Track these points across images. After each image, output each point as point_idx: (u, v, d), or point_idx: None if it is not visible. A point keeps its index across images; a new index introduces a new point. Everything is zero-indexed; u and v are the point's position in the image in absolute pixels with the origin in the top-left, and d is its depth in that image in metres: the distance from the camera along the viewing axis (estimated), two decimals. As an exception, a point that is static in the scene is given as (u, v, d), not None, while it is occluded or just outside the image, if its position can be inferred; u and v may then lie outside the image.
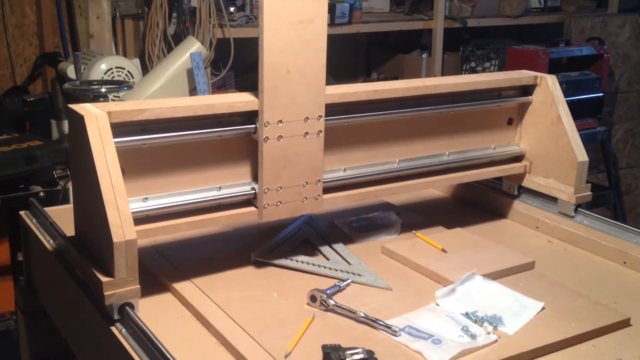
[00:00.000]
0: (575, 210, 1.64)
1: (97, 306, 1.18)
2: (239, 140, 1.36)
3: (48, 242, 1.46)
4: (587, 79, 3.60)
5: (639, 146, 4.45)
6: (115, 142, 1.17)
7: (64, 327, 1.48)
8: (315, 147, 1.38)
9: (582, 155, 1.61)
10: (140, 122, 1.23)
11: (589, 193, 1.64)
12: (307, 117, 1.35)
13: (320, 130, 1.37)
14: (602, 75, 3.65)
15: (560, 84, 1.69)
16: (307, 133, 1.36)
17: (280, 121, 1.32)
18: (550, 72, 3.22)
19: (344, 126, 1.46)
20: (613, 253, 1.53)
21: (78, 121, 1.18)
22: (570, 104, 1.67)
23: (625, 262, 1.50)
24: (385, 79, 4.18)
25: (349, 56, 4.35)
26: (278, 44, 1.28)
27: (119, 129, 1.20)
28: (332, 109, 1.40)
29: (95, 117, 1.17)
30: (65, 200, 2.37)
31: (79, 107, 1.21)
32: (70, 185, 2.39)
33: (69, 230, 1.34)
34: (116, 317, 1.15)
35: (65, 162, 2.43)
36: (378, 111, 1.49)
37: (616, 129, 4.33)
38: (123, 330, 1.13)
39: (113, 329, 1.14)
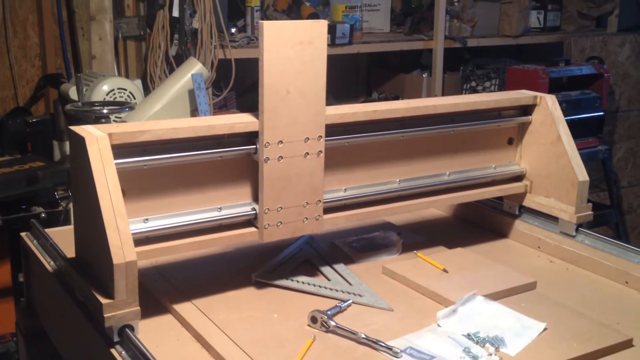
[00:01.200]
0: (577, 230, 1.63)
1: (97, 328, 1.18)
2: (240, 161, 1.36)
3: (49, 264, 1.46)
4: (587, 98, 3.62)
5: (640, 165, 4.46)
6: (116, 164, 1.18)
7: (64, 349, 1.47)
8: (316, 168, 1.38)
9: (582, 175, 1.61)
10: (141, 143, 1.24)
11: (590, 212, 1.63)
12: (307, 138, 1.35)
13: (321, 151, 1.37)
14: (602, 94, 3.67)
15: (561, 103, 1.69)
16: (307, 153, 1.36)
17: (281, 142, 1.32)
18: (550, 91, 3.24)
19: (345, 146, 1.47)
20: (615, 273, 1.52)
21: (79, 143, 1.18)
22: (571, 123, 1.68)
23: (627, 282, 1.50)
24: (386, 98, 4.20)
25: (349, 76, 4.37)
26: (278, 65, 1.29)
27: (120, 150, 1.21)
28: (333, 129, 1.41)
29: (96, 138, 1.17)
30: (66, 221, 2.37)
31: (80, 129, 1.21)
32: (71, 206, 2.40)
33: (70, 251, 1.34)
34: (116, 339, 1.14)
35: (67, 183, 2.44)
36: (378, 131, 1.50)
37: (617, 148, 4.33)
38: (123, 352, 1.13)
39: (113, 351, 1.14)
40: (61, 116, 2.80)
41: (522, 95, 1.70)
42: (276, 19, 3.58)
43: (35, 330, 1.63)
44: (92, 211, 1.16)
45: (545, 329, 1.27)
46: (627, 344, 1.25)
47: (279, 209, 1.35)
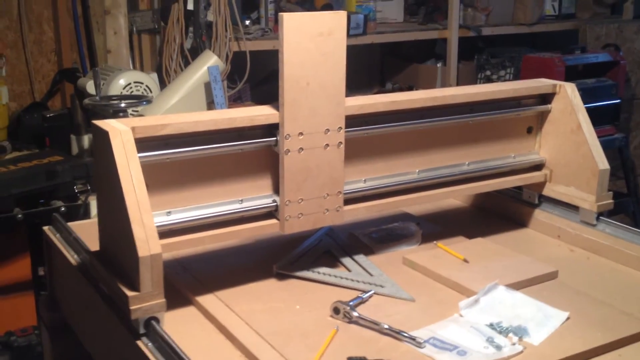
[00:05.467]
0: (597, 219, 1.63)
1: (122, 320, 1.19)
2: (260, 153, 1.37)
3: (72, 257, 1.47)
4: (603, 85, 3.59)
5: (657, 152, 4.42)
6: (139, 157, 1.18)
7: (89, 342, 1.49)
8: (336, 159, 1.38)
9: (603, 163, 1.61)
10: (163, 136, 1.25)
11: (611, 201, 1.63)
12: (327, 129, 1.35)
13: (341, 142, 1.38)
14: (618, 81, 3.64)
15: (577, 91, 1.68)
16: (327, 145, 1.36)
17: (301, 133, 1.33)
18: (566, 79, 3.21)
19: (364, 137, 1.47)
20: (636, 261, 1.52)
21: (102, 137, 1.19)
22: (587, 111, 1.67)
23: (649, 270, 1.49)
24: (400, 89, 4.19)
25: (363, 67, 4.36)
26: (298, 56, 1.29)
27: (142, 143, 1.22)
28: (352, 121, 1.41)
29: (120, 132, 1.18)
30: (85, 215, 2.39)
31: (103, 123, 1.22)
32: (90, 199, 2.41)
33: (92, 245, 1.36)
34: (142, 331, 1.15)
35: (86, 177, 2.45)
36: (397, 122, 1.50)
37: (634, 136, 4.30)
38: (149, 344, 1.14)
39: (139, 343, 1.15)
40: (78, 110, 2.81)
41: (541, 84, 1.69)
42: (290, 10, 3.58)
43: (59, 323, 1.65)
44: (116, 205, 1.17)
45: (568, 318, 1.27)
46: (651, 333, 1.25)
47: (299, 201, 1.36)
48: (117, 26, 3.26)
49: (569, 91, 1.66)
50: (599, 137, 1.65)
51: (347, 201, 1.44)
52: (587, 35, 4.10)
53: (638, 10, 4.44)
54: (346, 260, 1.52)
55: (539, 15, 4.10)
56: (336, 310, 1.28)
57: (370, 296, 1.36)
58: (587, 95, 3.39)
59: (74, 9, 3.22)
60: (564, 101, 1.66)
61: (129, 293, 1.13)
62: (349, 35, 3.43)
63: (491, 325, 1.23)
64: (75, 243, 1.48)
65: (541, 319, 1.26)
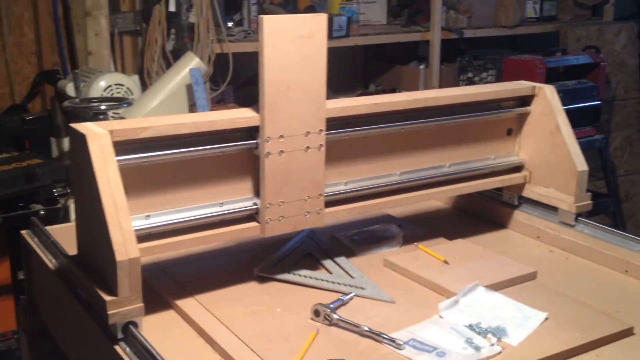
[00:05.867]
0: (576, 220, 1.64)
1: (100, 325, 1.18)
2: (241, 156, 1.36)
3: (50, 261, 1.46)
4: (584, 87, 3.62)
5: (636, 153, 4.46)
6: (118, 160, 1.18)
7: (67, 347, 1.47)
8: (317, 161, 1.38)
9: (581, 165, 1.62)
10: (143, 140, 1.24)
11: (589, 202, 1.64)
12: (308, 132, 1.35)
13: (322, 145, 1.38)
14: (598, 83, 3.67)
15: (558, 92, 1.70)
16: (308, 147, 1.36)
17: (282, 136, 1.33)
18: (547, 81, 3.24)
19: (345, 140, 1.47)
20: (614, 262, 1.53)
21: (80, 140, 1.18)
22: (568, 113, 1.68)
23: (627, 271, 1.51)
24: (384, 90, 4.20)
25: (346, 69, 4.36)
26: (278, 59, 1.29)
27: (121, 147, 1.21)
28: (333, 123, 1.41)
29: (97, 135, 1.17)
30: (65, 219, 2.37)
31: (81, 126, 1.21)
32: (70, 203, 2.40)
33: (71, 249, 1.35)
34: (120, 336, 1.15)
35: (66, 180, 2.43)
36: (379, 124, 1.50)
37: (614, 137, 4.34)
38: (127, 349, 1.13)
39: (117, 348, 1.14)
40: (58, 113, 2.79)
41: (520, 86, 1.70)
42: (273, 12, 3.58)
43: (37, 328, 1.63)
44: (94, 208, 1.16)
45: (546, 319, 1.28)
46: (628, 332, 1.26)
47: (280, 204, 1.36)
48: (98, 28, 3.24)
49: (548, 93, 1.67)
50: (579, 138, 1.67)
51: (328, 203, 1.44)
52: (568, 38, 4.14)
53: (618, 13, 4.49)
54: (327, 263, 1.52)
55: (520, 18, 4.13)
56: (316, 313, 1.28)
57: (351, 298, 1.36)
58: (567, 96, 3.42)
59: (55, 11, 3.19)
60: (543, 103, 1.67)
61: (107, 297, 1.13)
62: (332, 37, 3.44)
63: (470, 326, 1.24)
64: (53, 247, 1.47)
65: (520, 319, 1.27)
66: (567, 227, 1.64)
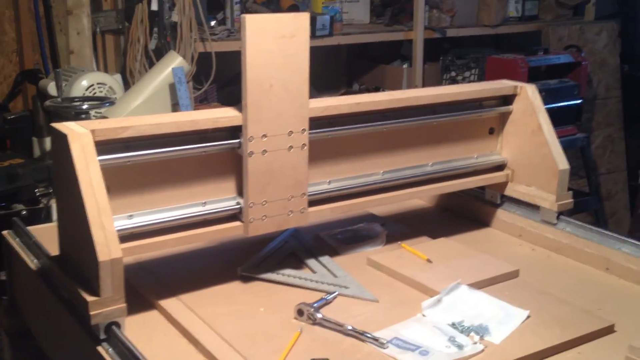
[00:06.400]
0: (558, 218, 1.65)
1: (83, 326, 1.17)
2: (224, 156, 1.36)
3: (32, 262, 1.45)
4: (565, 86, 3.65)
5: (618, 152, 4.50)
6: (99, 160, 1.17)
7: (50, 348, 1.46)
8: (300, 161, 1.38)
9: (563, 163, 1.63)
10: (124, 139, 1.23)
11: (571, 200, 1.65)
12: (291, 131, 1.35)
13: (305, 144, 1.38)
14: (580, 82, 3.70)
15: (540, 91, 1.71)
16: (291, 147, 1.36)
17: (265, 135, 1.32)
18: (529, 80, 3.26)
19: (328, 139, 1.47)
20: (596, 260, 1.54)
21: (61, 140, 1.17)
22: (550, 112, 1.69)
23: (607, 269, 1.52)
24: (367, 89, 4.20)
25: (330, 68, 4.36)
26: (261, 58, 1.29)
27: (103, 146, 1.20)
28: (316, 122, 1.41)
29: (79, 135, 1.16)
30: (47, 219, 2.35)
31: (62, 126, 1.20)
32: (52, 203, 2.37)
33: (53, 249, 1.34)
34: (102, 336, 1.14)
35: (48, 180, 2.41)
36: (361, 123, 1.50)
37: (595, 135, 4.38)
38: (110, 349, 1.13)
39: (100, 348, 1.13)
40: (40, 112, 2.76)
41: (502, 85, 1.71)
42: (256, 11, 3.57)
43: (19, 329, 1.62)
44: (76, 209, 1.15)
45: (528, 317, 1.29)
46: (609, 330, 1.27)
47: (263, 203, 1.36)
48: (80, 26, 3.21)
49: (530, 92, 1.68)
50: (561, 137, 1.68)
51: (312, 203, 1.45)
52: (550, 37, 4.17)
53: (599, 12, 4.52)
54: (311, 262, 1.52)
55: (503, 17, 4.15)
56: (300, 312, 1.28)
57: (335, 297, 1.36)
58: (549, 95, 3.44)
59: (36, 9, 3.16)
60: (525, 102, 1.68)
61: (89, 298, 1.12)
62: (315, 36, 3.44)
63: (453, 325, 1.25)
64: (35, 247, 1.46)
65: (502, 317, 1.28)
66: (549, 225, 1.65)
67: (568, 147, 3.59)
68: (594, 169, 4.26)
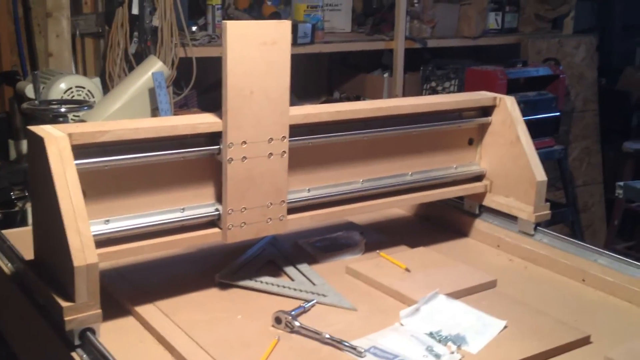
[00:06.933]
0: (535, 229, 1.66)
1: (57, 331, 1.16)
2: (203, 162, 1.35)
3: (6, 266, 1.42)
4: (544, 99, 3.69)
5: (594, 164, 4.56)
6: (76, 164, 1.16)
7: (23, 353, 1.44)
8: (280, 168, 1.38)
9: (540, 175, 1.65)
10: (102, 143, 1.22)
11: (548, 212, 1.67)
12: (271, 138, 1.35)
13: (285, 151, 1.37)
14: (558, 95, 3.74)
15: (518, 103, 1.72)
16: (271, 154, 1.36)
17: (244, 142, 1.32)
18: (508, 92, 3.29)
19: (308, 147, 1.47)
20: (572, 271, 1.56)
21: (38, 143, 1.16)
22: (528, 124, 1.71)
23: (584, 280, 1.53)
24: (348, 98, 4.21)
25: (311, 76, 4.37)
26: (242, 65, 1.28)
27: (80, 150, 1.19)
28: (296, 130, 1.41)
29: (56, 139, 1.15)
30: (23, 222, 2.32)
31: (39, 129, 1.19)
32: (28, 206, 2.34)
33: (28, 253, 1.32)
34: (77, 342, 1.12)
35: (23, 183, 2.38)
36: (341, 132, 1.50)
37: (572, 148, 4.43)
38: (84, 356, 1.11)
39: (74, 354, 1.12)
40: (17, 115, 2.74)
41: (482, 97, 1.72)
42: (237, 17, 3.56)
43: (-9, 334, 1.59)
44: (51, 213, 1.14)
45: (505, 327, 1.29)
46: (585, 341, 1.28)
47: (242, 210, 1.35)
48: (60, 29, 3.18)
49: (509, 104, 1.69)
50: (539, 148, 1.69)
51: (291, 210, 1.44)
52: (529, 49, 4.21)
53: (578, 26, 4.58)
54: (289, 270, 1.52)
55: (483, 29, 4.19)
56: (278, 320, 1.27)
57: (313, 305, 1.36)
58: (528, 107, 3.48)
59: (15, 11, 3.13)
60: (504, 114, 1.70)
61: (64, 304, 1.10)
62: (296, 44, 3.44)
63: (431, 334, 1.25)
64: (9, 251, 1.43)
65: (480, 327, 1.28)
66: (527, 236, 1.66)
67: (545, 159, 3.62)
68: (571, 180, 4.30)
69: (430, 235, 1.76)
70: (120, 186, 1.28)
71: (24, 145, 2.73)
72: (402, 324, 1.30)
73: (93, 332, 1.13)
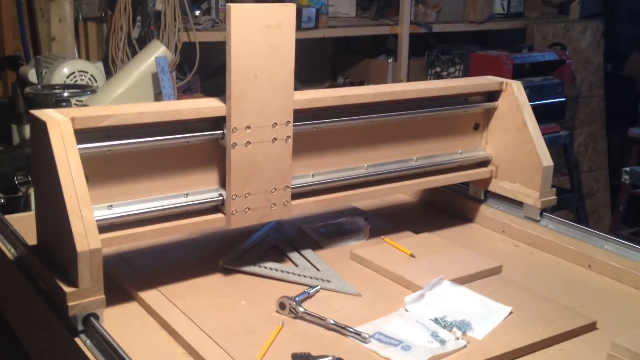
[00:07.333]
0: (541, 215, 1.65)
1: (60, 317, 1.15)
2: (206, 146, 1.34)
3: (9, 251, 1.42)
4: (549, 84, 3.66)
5: (600, 150, 4.53)
6: (79, 149, 1.15)
7: (27, 338, 1.44)
8: (284, 153, 1.37)
9: (547, 160, 1.63)
10: (105, 128, 1.21)
11: (554, 197, 1.66)
12: (275, 123, 1.34)
13: (289, 136, 1.36)
14: (564, 80, 3.72)
15: (524, 89, 1.71)
16: (275, 139, 1.35)
17: (248, 127, 1.31)
18: (513, 77, 3.26)
19: (312, 132, 1.46)
20: (578, 257, 1.55)
21: (40, 127, 1.15)
22: (534, 109, 1.69)
23: (590, 266, 1.52)
24: (352, 83, 4.19)
25: (315, 60, 4.35)
26: (246, 49, 1.27)
27: (83, 135, 1.18)
28: (301, 115, 1.40)
29: (58, 123, 1.14)
30: (26, 207, 2.32)
31: (41, 113, 1.18)
32: (31, 191, 2.34)
33: (31, 238, 1.31)
34: (80, 328, 1.12)
35: (27, 167, 2.38)
36: (346, 116, 1.49)
37: (578, 133, 4.40)
38: (88, 341, 1.11)
39: (77, 340, 1.12)
40: (20, 99, 2.72)
41: (488, 81, 1.70)
42: (240, 1, 3.54)
43: (-5, 319, 1.59)
44: (54, 198, 1.13)
45: (511, 313, 1.28)
46: (591, 327, 1.27)
47: (246, 195, 1.34)
48: (62, 13, 3.16)
49: (515, 89, 1.68)
50: (544, 134, 1.68)
51: (295, 195, 1.43)
52: (535, 34, 4.18)
53: (584, 11, 4.54)
54: (293, 255, 1.51)
55: (488, 14, 4.16)
56: (282, 306, 1.27)
57: (317, 291, 1.35)
58: (533, 93, 3.46)
59: (17, -5, 3.11)
60: (510, 99, 1.68)
61: (67, 289, 1.10)
62: (300, 29, 3.42)
63: (436, 320, 1.24)
64: (12, 237, 1.43)
65: (485, 313, 1.27)
66: (532, 222, 1.65)
67: (551, 145, 3.59)
68: (576, 166, 4.28)
69: (435, 221, 1.75)
70: (124, 171, 1.27)
71: (27, 130, 2.72)
72: (407, 310, 1.29)
73: (96, 317, 1.13)
